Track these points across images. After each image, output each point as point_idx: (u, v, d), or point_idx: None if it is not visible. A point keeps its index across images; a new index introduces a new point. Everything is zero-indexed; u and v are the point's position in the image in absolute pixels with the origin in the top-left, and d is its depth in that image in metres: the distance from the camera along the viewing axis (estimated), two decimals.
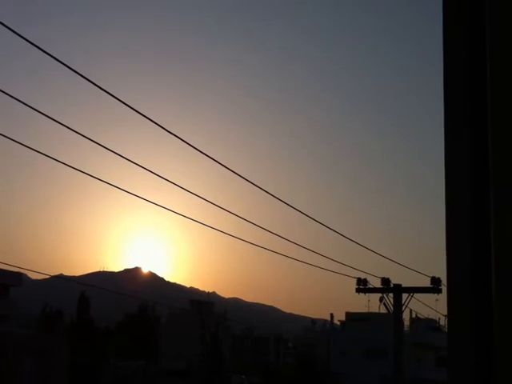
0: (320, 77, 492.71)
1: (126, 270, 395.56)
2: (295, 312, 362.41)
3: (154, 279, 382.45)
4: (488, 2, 2.56)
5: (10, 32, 8.84)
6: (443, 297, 29.63)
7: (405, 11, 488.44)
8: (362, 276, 30.28)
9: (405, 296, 29.63)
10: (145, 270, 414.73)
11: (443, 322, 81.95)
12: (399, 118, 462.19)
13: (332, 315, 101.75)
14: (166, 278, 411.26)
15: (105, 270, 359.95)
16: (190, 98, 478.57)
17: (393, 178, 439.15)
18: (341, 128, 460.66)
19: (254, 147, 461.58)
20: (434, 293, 29.76)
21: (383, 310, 33.56)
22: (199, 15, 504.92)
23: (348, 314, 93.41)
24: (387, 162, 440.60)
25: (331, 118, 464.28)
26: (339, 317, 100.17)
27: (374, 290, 30.56)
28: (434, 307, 49.02)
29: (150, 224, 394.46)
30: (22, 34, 9.11)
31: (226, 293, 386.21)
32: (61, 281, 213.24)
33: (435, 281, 29.33)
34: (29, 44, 9.31)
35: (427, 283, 29.69)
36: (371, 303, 78.34)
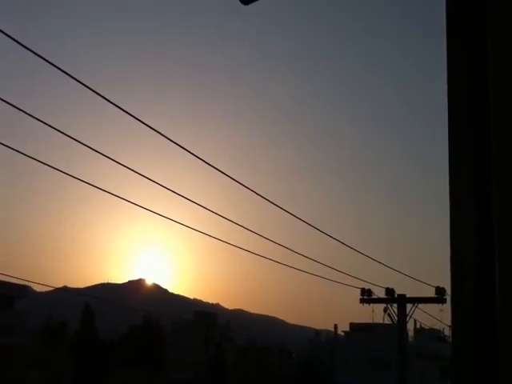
0: (317, 80, 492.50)
1: (130, 282, 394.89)
2: (299, 323, 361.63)
3: (158, 291, 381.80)
4: (489, 4, 2.58)
5: (20, 47, 8.90)
6: (448, 307, 29.56)
7: (407, 15, 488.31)
8: (366, 286, 30.27)
9: (409, 306, 29.58)
10: (149, 281, 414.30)
11: (448, 332, 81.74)
12: (405, 126, 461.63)
13: (336, 326, 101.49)
14: (170, 290, 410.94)
15: (109, 281, 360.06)
16: (191, 106, 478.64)
17: (397, 187, 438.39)
18: (345, 136, 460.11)
19: (259, 157, 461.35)
20: (438, 303, 29.71)
21: (387, 321, 33.49)
22: (198, 22, 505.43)
23: (352, 325, 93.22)
24: (391, 171, 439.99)
25: (334, 127, 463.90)
26: (343, 327, 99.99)
27: (378, 301, 30.51)
28: (438, 317, 48.90)
29: (154, 235, 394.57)
30: (36, 51, 9.17)
31: (229, 304, 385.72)
32: (65, 293, 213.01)
33: (440, 291, 29.28)
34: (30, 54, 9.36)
35: (432, 293, 29.64)
36: (375, 313, 77.97)
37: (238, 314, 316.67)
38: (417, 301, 29.83)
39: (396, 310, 29.52)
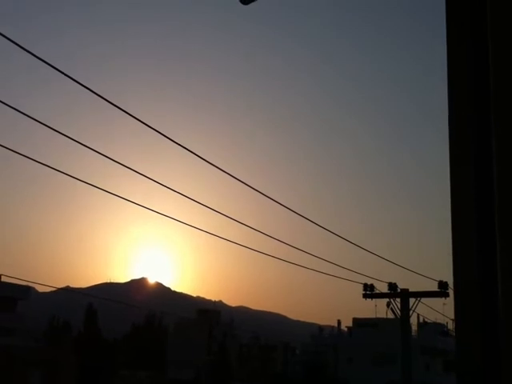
0: (321, 80, 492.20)
1: (133, 281, 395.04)
2: (302, 319, 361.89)
3: (161, 289, 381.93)
4: (489, 5, 2.58)
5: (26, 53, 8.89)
6: (451, 301, 29.54)
7: (407, 16, 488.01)
8: (369, 281, 30.24)
9: (412, 301, 29.55)
10: (151, 280, 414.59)
11: (451, 326, 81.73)
12: (406, 124, 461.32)
13: (339, 321, 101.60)
14: (173, 288, 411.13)
15: (111, 281, 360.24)
16: (195, 106, 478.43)
17: (398, 182, 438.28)
18: (346, 134, 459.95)
19: (259, 154, 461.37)
20: (441, 297, 29.67)
21: (390, 315, 33.47)
22: (200, 22, 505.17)
23: (355, 320, 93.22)
24: (393, 168, 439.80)
25: (337, 125, 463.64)
26: (346, 323, 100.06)
27: (381, 296, 30.49)
28: (441, 311, 48.96)
29: (155, 234, 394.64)
30: (45, 59, 9.16)
31: (232, 301, 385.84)
32: (68, 293, 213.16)
33: (442, 285, 29.26)
34: (31, 57, 9.35)
35: (434, 287, 29.62)
36: (378, 308, 78.08)
37: (242, 311, 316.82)
38: (420, 295, 29.80)
39: (399, 305, 29.50)
